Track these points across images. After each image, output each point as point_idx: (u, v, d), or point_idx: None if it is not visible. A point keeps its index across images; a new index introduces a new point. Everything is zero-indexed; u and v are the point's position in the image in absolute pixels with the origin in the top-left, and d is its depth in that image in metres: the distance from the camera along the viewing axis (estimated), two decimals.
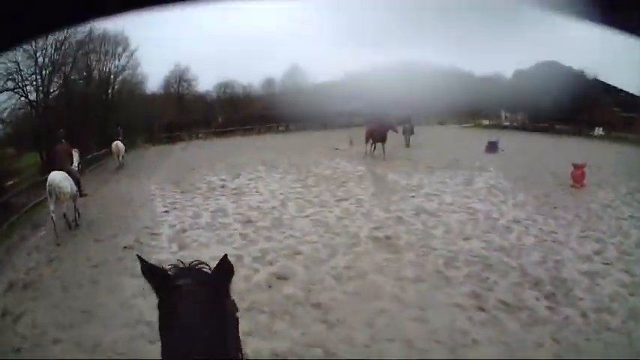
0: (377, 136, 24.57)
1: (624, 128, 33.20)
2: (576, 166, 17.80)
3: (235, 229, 12.50)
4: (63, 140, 14.08)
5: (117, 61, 26.36)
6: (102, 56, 25.92)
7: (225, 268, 1.86)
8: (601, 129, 33.41)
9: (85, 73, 25.26)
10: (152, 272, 1.81)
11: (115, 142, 21.82)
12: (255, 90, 35.11)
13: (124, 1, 1.75)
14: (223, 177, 19.52)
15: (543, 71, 32.48)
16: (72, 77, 24.26)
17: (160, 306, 1.82)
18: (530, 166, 21.43)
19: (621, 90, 32.92)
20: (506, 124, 36.31)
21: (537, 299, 8.46)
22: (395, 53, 35.52)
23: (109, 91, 26.73)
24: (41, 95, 21.96)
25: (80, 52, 24.31)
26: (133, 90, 28.43)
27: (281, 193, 16.25)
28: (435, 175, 19.54)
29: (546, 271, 9.69)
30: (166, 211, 14.48)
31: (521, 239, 11.64)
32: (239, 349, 1.92)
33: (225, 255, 1.86)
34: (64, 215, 12.92)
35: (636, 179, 18.33)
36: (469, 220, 13.14)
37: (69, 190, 12.58)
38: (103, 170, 22.23)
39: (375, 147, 24.58)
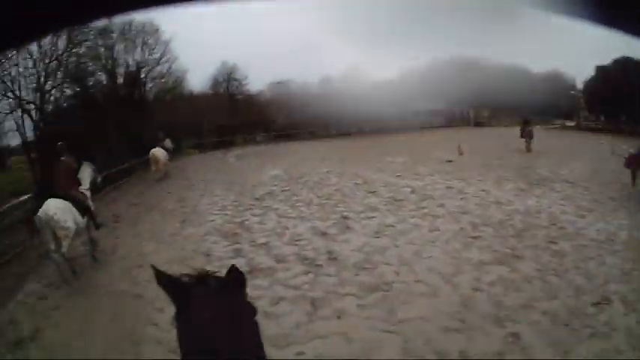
0: None
1: None
2: None
3: None
4: (62, 157, 9.64)
5: (147, 54, 19.89)
6: (129, 46, 19.26)
7: (235, 277, 1.78)
8: None
9: (107, 66, 18.33)
10: (168, 282, 1.74)
11: (154, 149, 16.06)
12: (312, 89, 29.69)
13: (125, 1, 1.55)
14: (322, 225, 10.07)
15: None
16: (88, 68, 17.39)
17: (176, 316, 1.72)
18: None
19: None
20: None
21: None
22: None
23: (141, 88, 20.42)
24: (38, 94, 15.26)
25: (98, 40, 17.66)
26: (171, 88, 22.04)
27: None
28: None
29: None
30: None
31: None
32: (259, 348, 1.75)
33: (233, 265, 1.79)
34: (63, 256, 8.29)
35: None
36: None
37: (69, 224, 8.42)
38: (127, 191, 14.65)
39: None
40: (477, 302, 6.58)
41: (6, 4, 1.35)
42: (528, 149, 21.22)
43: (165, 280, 1.69)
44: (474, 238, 9.18)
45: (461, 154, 19.51)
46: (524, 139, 21.55)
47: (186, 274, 1.75)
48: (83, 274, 8.52)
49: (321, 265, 7.76)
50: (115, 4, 1.47)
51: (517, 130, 23.96)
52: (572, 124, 32.97)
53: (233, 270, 1.75)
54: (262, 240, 9.23)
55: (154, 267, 1.71)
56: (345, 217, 10.38)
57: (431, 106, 33.10)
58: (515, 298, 6.70)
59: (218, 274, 1.77)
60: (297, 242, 8.98)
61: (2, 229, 10.60)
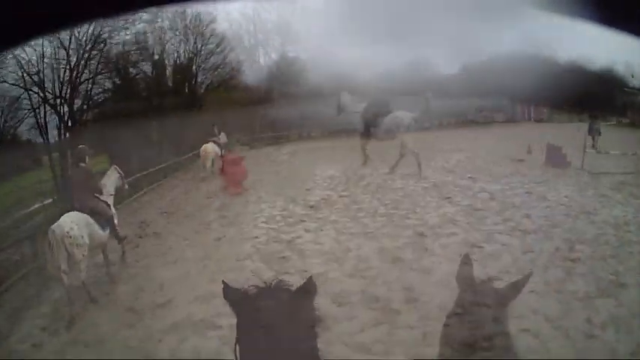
0: None
1: None
2: None
3: None
4: (82, 163, 8.14)
5: (200, 45, 18.29)
6: (181, 35, 17.75)
7: (308, 289, 1.77)
8: None
9: (154, 55, 16.86)
10: (233, 295, 1.77)
11: (206, 144, 14.74)
12: (373, 84, 28.25)
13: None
14: (393, 246, 8.18)
15: None
16: (130, 57, 15.73)
17: (239, 325, 1.76)
18: None
19: None
20: None
21: None
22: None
23: (192, 80, 18.78)
24: (66, 88, 13.52)
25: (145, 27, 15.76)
26: (224, 80, 19.68)
27: None
28: None
29: None
30: None
31: None
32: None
33: (311, 277, 1.82)
34: (82, 283, 7.16)
35: None
36: None
37: (85, 240, 7.23)
38: (162, 195, 12.84)
39: None
40: (591, 354, 5.63)
41: (6, 4, 1.44)
42: (595, 147, 21.01)
43: (232, 294, 1.73)
44: (573, 261, 7.86)
45: (529, 152, 18.14)
46: (591, 137, 20.85)
47: (254, 286, 1.77)
48: (87, 313, 6.96)
49: (397, 311, 5.82)
50: (115, 3, 1.63)
51: (575, 126, 23.60)
52: (627, 120, 32.76)
53: (308, 283, 1.74)
54: (317, 269, 7.03)
55: (224, 282, 1.76)
56: (420, 234, 8.41)
57: (492, 102, 31.61)
58: (628, 342, 5.79)
59: (287, 285, 1.76)
60: (363, 273, 6.95)
61: (17, 240, 9.00)
